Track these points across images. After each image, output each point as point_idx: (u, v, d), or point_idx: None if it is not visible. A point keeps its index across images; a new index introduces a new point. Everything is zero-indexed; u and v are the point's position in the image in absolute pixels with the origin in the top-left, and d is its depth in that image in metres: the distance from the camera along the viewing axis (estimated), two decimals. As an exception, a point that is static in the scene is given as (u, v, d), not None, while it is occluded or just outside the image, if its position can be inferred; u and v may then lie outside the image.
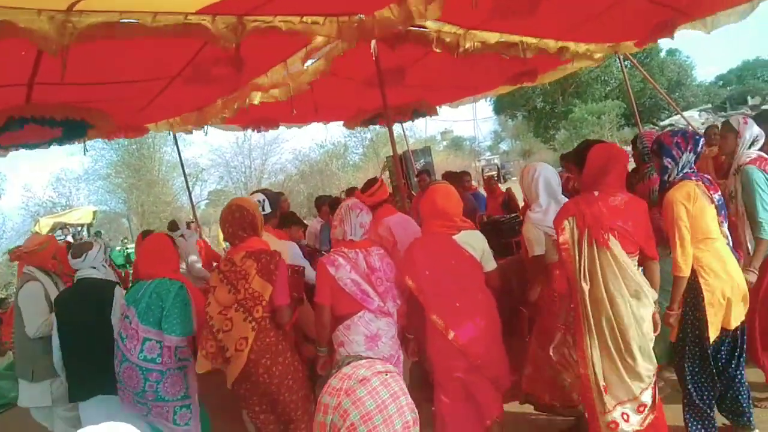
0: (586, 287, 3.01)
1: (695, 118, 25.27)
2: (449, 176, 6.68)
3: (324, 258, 3.39)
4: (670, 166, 3.31)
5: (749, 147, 3.76)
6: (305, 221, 6.22)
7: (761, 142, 3.79)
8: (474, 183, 8.52)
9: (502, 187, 8.53)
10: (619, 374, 3.01)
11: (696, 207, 3.14)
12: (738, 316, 3.22)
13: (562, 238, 3.11)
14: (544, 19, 4.59)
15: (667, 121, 30.26)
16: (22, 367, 4.25)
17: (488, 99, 31.46)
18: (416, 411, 1.56)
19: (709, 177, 3.37)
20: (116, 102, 5.03)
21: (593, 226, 2.99)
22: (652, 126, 30.09)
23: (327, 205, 6.56)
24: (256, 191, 4.59)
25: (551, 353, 3.36)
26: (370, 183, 4.54)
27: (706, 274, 3.16)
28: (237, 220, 3.45)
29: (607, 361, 3.02)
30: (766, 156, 3.74)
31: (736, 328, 3.26)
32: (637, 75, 23.38)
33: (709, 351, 3.25)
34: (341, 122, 9.24)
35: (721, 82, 40.59)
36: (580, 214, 3.05)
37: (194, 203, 10.39)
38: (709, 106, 33.43)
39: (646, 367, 3.01)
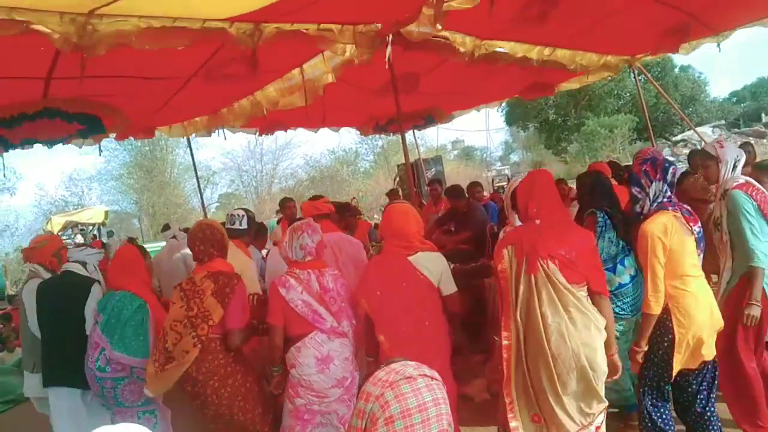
0: (520, 317, 2.89)
1: (708, 134, 25.06)
2: (451, 191, 6.62)
3: (276, 279, 3.39)
4: (640, 196, 3.18)
5: (734, 169, 3.60)
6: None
7: (743, 161, 3.65)
8: (486, 194, 8.48)
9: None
10: (550, 410, 2.84)
11: (673, 241, 2.99)
12: (709, 351, 3.07)
13: (500, 266, 3.00)
14: (557, 24, 4.60)
15: (679, 137, 30.04)
16: (27, 360, 4.34)
17: (500, 110, 31.46)
18: (453, 424, 1.56)
19: (688, 207, 3.20)
20: (132, 99, 5.07)
21: (531, 253, 2.86)
22: (664, 141, 29.95)
23: (335, 211, 6.56)
24: (238, 208, 4.78)
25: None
26: (317, 197, 4.70)
27: (681, 316, 3.00)
28: (207, 237, 3.51)
29: (541, 395, 2.86)
30: (753, 182, 3.58)
31: (707, 363, 3.11)
32: (651, 90, 23.25)
33: (667, 392, 3.14)
34: (353, 128, 9.28)
35: (735, 98, 40.29)
36: (519, 242, 2.95)
37: (205, 206, 10.45)
38: (723, 122, 33.16)
39: (587, 403, 2.83)
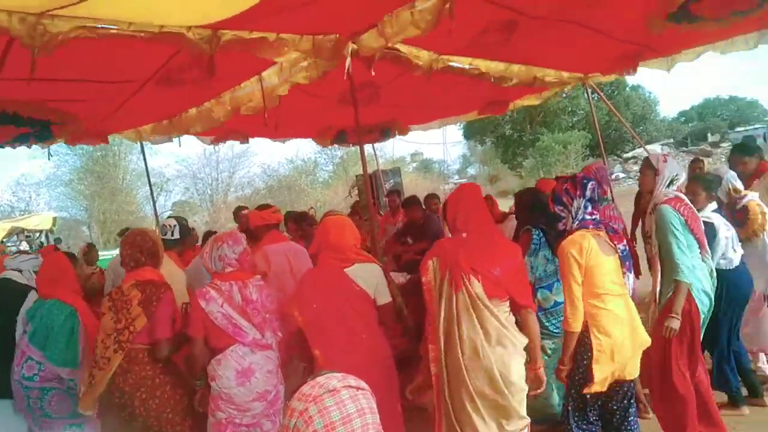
0: (441, 329, 2.88)
1: (657, 152, 26.02)
2: (408, 202, 6.69)
3: (197, 291, 3.35)
4: (563, 214, 3.22)
5: (668, 185, 3.68)
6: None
7: (681, 179, 3.73)
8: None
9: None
10: (470, 425, 2.84)
11: (590, 259, 3.02)
12: (631, 371, 3.11)
13: (424, 278, 2.99)
14: (513, 46, 4.70)
15: (630, 154, 31.04)
16: None
17: (458, 124, 31.84)
18: None
19: (614, 226, 3.27)
20: (85, 104, 4.94)
21: (454, 267, 2.86)
22: (615, 157, 30.83)
23: (292, 220, 6.54)
24: (171, 217, 4.68)
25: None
26: (265, 206, 4.57)
27: (600, 333, 3.01)
28: (137, 243, 3.47)
29: (464, 413, 2.84)
30: (682, 197, 3.66)
31: (626, 382, 3.15)
32: (603, 108, 23.90)
33: (588, 408, 3.16)
34: (311, 139, 9.24)
35: (683, 118, 41.83)
36: (443, 254, 2.95)
37: (158, 214, 10.23)
38: (671, 140, 34.42)
39: (505, 418, 2.82)
